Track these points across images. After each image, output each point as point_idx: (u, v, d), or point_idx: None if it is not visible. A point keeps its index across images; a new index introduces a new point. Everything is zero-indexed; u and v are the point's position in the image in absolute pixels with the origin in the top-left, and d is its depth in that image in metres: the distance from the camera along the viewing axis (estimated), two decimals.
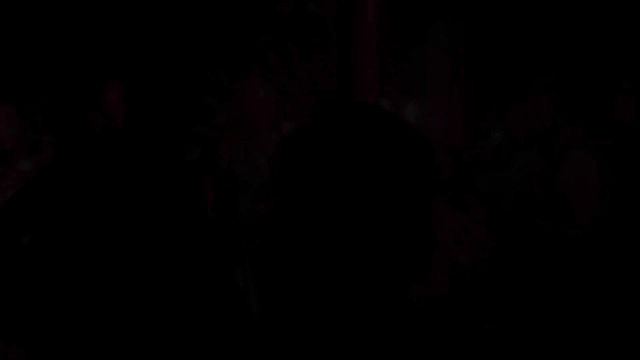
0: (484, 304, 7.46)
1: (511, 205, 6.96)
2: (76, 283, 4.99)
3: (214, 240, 5.39)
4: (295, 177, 1.69)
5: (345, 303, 1.62)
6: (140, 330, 4.97)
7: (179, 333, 5.01)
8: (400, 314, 1.68)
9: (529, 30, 8.48)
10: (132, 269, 5.01)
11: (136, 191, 5.08)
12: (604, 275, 6.59)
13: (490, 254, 7.52)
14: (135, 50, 8.52)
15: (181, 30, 8.56)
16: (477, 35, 8.90)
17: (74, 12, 8.66)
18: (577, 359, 5.53)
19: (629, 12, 7.44)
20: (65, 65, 8.46)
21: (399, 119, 1.75)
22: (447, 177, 7.62)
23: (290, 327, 1.71)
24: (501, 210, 6.93)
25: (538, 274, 6.74)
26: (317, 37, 8.40)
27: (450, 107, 8.99)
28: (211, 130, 7.58)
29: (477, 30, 8.91)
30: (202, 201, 5.52)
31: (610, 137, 7.40)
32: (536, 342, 6.45)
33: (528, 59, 8.49)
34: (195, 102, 7.72)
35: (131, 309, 4.94)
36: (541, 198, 6.58)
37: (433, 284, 7.38)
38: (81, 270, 5.00)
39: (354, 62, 5.37)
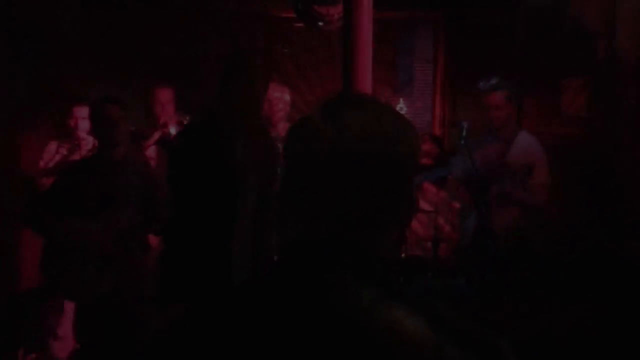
0: (459, 259, 7.65)
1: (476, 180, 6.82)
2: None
3: None
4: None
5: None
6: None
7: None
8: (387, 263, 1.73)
9: (491, 45, 8.43)
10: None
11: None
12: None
13: (462, 220, 7.74)
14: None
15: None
16: (452, 48, 9.03)
17: None
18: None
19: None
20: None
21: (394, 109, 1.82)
22: (433, 160, 7.80)
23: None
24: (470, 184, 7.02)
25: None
26: (325, 49, 8.60)
27: (431, 105, 9.14)
28: None
29: (452, 45, 9.04)
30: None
31: (558, 126, 7.57)
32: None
33: (490, 67, 8.53)
34: None
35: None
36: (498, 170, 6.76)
37: (423, 246, 7.61)
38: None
39: (354, 70, 5.58)
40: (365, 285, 1.60)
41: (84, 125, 7.37)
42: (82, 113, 7.32)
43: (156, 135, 7.29)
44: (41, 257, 6.03)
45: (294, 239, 1.72)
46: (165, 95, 7.59)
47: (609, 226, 7.02)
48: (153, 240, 7.27)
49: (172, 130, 7.23)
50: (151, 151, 7.34)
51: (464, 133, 6.81)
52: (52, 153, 7.39)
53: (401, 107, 9.07)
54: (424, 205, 7.71)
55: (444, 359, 1.50)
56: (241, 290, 1.73)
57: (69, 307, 7.40)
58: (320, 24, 7.25)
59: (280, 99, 7.41)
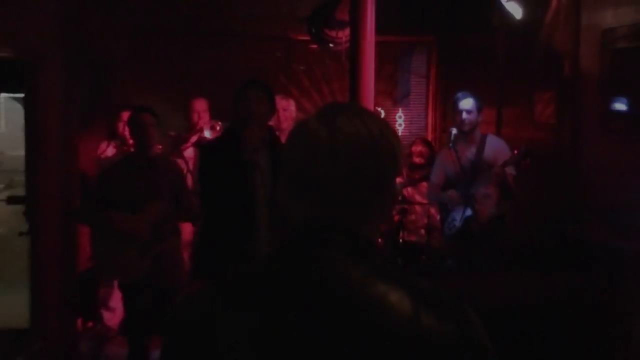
0: (448, 245, 7.77)
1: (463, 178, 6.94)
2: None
3: None
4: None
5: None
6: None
7: None
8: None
9: (474, 64, 8.59)
10: None
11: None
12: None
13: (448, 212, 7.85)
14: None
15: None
16: (442, 66, 9.12)
17: None
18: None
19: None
20: None
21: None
22: (425, 160, 7.95)
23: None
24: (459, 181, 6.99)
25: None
26: (335, 66, 8.68)
27: (425, 113, 9.19)
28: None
29: (442, 64, 9.14)
30: None
31: (531, 131, 7.61)
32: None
33: (473, 82, 8.64)
34: None
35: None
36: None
37: (418, 233, 7.78)
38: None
39: (359, 84, 5.70)
40: (355, 263, 1.62)
41: None
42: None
43: (193, 138, 7.36)
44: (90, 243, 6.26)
45: (295, 223, 1.73)
46: (200, 105, 7.66)
47: (571, 213, 7.11)
48: (185, 227, 7.52)
49: (207, 134, 7.32)
50: (189, 152, 7.42)
51: (452, 137, 7.02)
52: (103, 149, 7.53)
53: (400, 115, 9.19)
54: (418, 198, 7.88)
55: (422, 327, 1.52)
56: (255, 266, 1.74)
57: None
58: (331, 45, 7.24)
59: (286, 109, 7.56)
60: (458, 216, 6.95)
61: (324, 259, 1.62)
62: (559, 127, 7.43)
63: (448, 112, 9.10)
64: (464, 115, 6.86)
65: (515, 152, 6.58)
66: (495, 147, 6.86)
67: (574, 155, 7.18)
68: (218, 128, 7.35)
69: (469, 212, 6.82)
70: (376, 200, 1.70)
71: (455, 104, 6.95)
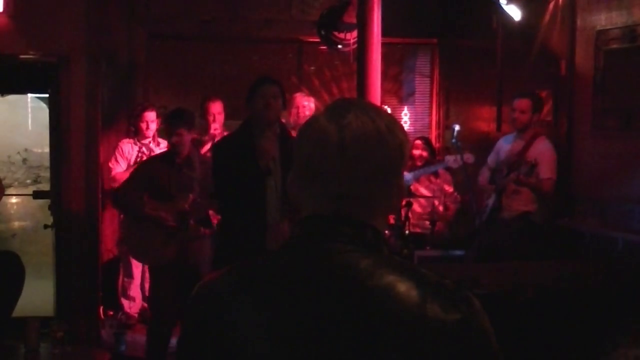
0: (453, 235, 7.86)
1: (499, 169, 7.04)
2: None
3: None
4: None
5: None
6: None
7: None
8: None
9: (475, 65, 8.67)
10: None
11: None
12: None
13: (455, 202, 7.98)
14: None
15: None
16: (445, 67, 9.15)
17: None
18: None
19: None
20: None
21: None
22: (429, 155, 8.03)
23: None
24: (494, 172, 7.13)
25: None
26: (344, 67, 8.70)
27: (429, 111, 9.21)
28: None
29: (445, 64, 9.16)
30: None
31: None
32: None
33: (474, 82, 8.73)
34: None
35: None
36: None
37: (422, 225, 7.86)
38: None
39: (367, 84, 5.76)
40: (363, 254, 1.61)
41: (152, 126, 7.65)
42: (150, 117, 7.58)
43: (207, 146, 7.36)
44: (121, 229, 6.40)
45: (305, 214, 1.72)
46: (216, 107, 7.66)
47: (566, 205, 7.19)
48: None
49: None
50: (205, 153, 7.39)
51: (455, 133, 7.10)
52: (123, 148, 7.59)
53: (405, 112, 9.25)
54: (423, 191, 7.96)
55: (429, 316, 1.51)
56: (267, 258, 1.75)
57: (137, 272, 7.77)
58: (340, 47, 7.27)
59: (307, 106, 7.63)
60: (490, 204, 7.01)
61: (333, 250, 1.62)
62: (555, 124, 7.49)
63: (450, 109, 9.21)
64: (517, 114, 6.87)
65: (527, 162, 6.66)
66: (541, 150, 6.83)
67: (569, 151, 7.25)
68: None
69: (496, 204, 6.88)
70: (384, 193, 1.69)
71: (512, 102, 6.96)
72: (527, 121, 6.85)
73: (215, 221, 6.93)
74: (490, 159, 7.22)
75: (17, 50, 7.10)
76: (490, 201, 6.99)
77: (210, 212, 6.35)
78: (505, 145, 7.09)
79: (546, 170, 6.72)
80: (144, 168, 6.37)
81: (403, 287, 1.55)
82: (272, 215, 5.33)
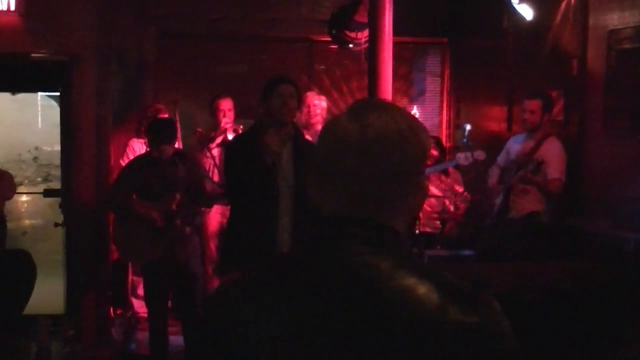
0: (463, 235, 7.85)
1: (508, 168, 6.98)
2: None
3: None
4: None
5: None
6: None
7: None
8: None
9: (485, 64, 8.65)
10: None
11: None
12: None
13: (465, 201, 7.97)
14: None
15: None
16: (455, 66, 9.14)
17: None
18: None
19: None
20: None
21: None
22: (439, 155, 8.02)
23: None
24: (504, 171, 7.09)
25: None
26: (354, 66, 8.69)
27: (439, 110, 9.22)
28: None
29: (455, 63, 9.15)
30: None
31: None
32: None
33: (484, 81, 8.73)
34: None
35: None
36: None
37: (432, 224, 7.86)
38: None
39: (377, 83, 5.74)
40: (383, 255, 1.61)
41: None
42: (161, 116, 7.43)
43: (218, 140, 7.40)
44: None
45: (325, 215, 1.71)
46: (226, 105, 7.65)
47: (577, 205, 7.21)
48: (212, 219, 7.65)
49: (230, 137, 7.32)
50: (215, 151, 7.51)
51: (466, 133, 7.09)
52: (133, 147, 7.55)
53: (415, 112, 9.22)
54: (433, 191, 7.95)
55: (449, 319, 1.51)
56: (285, 258, 1.76)
57: None
58: (350, 45, 7.28)
59: (318, 105, 7.61)
60: (498, 203, 7.00)
61: (353, 251, 1.62)
62: (566, 123, 7.49)
63: (461, 109, 9.20)
64: (527, 115, 6.84)
65: (534, 160, 6.64)
66: (550, 150, 6.81)
67: (580, 151, 7.26)
68: (240, 131, 7.43)
69: (504, 203, 6.87)
70: (404, 194, 1.69)
71: (522, 102, 6.93)
72: (537, 121, 6.82)
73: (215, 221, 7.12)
74: (500, 158, 7.20)
75: (28, 49, 7.12)
76: (498, 201, 6.98)
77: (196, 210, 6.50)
78: (516, 145, 7.07)
79: (554, 171, 6.70)
80: (129, 169, 6.41)
81: (423, 289, 1.55)
82: (284, 215, 5.32)
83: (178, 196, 6.13)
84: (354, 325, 1.54)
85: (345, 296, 1.57)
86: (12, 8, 6.95)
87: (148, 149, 6.46)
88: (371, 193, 1.65)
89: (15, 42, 7.04)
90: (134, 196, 6.25)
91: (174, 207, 6.12)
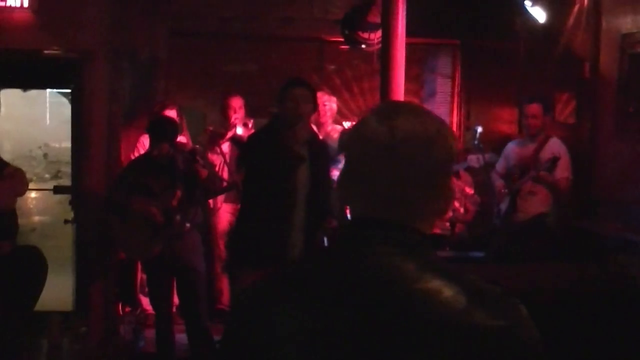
0: (473, 236, 7.86)
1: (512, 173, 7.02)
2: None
3: None
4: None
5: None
6: None
7: None
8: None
9: (497, 66, 8.67)
10: None
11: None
12: None
13: (475, 204, 7.97)
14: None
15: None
16: (466, 67, 9.13)
17: None
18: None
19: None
20: None
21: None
22: None
23: None
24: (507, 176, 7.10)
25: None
26: (365, 66, 8.68)
27: (450, 112, 9.20)
28: None
29: (466, 65, 9.14)
30: None
31: (551, 130, 7.69)
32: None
33: (496, 83, 8.74)
34: None
35: None
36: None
37: (442, 226, 7.87)
38: None
39: (390, 83, 5.76)
40: (409, 258, 1.61)
41: None
42: (171, 114, 7.31)
43: (229, 134, 7.42)
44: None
45: (352, 215, 1.72)
46: (236, 103, 7.64)
47: (588, 207, 7.24)
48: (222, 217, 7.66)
49: (239, 130, 7.39)
50: (225, 147, 7.50)
51: (477, 135, 7.10)
52: (145, 144, 7.34)
53: None
54: None
55: (476, 323, 1.51)
56: (311, 259, 1.77)
57: None
58: (363, 46, 7.32)
59: (327, 105, 7.63)
60: (504, 208, 7.01)
61: (380, 253, 1.62)
62: (578, 126, 7.54)
63: (471, 111, 9.19)
64: (530, 120, 6.88)
65: (549, 159, 6.63)
66: (555, 149, 6.84)
67: (592, 154, 7.28)
68: (250, 125, 7.45)
69: (510, 207, 6.88)
70: (432, 197, 1.69)
71: (522, 107, 6.97)
72: (540, 125, 6.89)
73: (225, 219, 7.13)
74: (500, 166, 7.22)
75: (40, 46, 7.14)
76: (504, 205, 7.00)
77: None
78: (516, 150, 7.10)
79: (562, 170, 6.73)
80: (127, 170, 6.48)
81: (449, 292, 1.56)
82: (297, 216, 5.35)
83: (178, 193, 6.16)
84: (379, 327, 1.54)
85: (372, 298, 1.58)
86: (25, 5, 6.97)
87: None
88: (398, 195, 1.66)
89: (27, 39, 7.06)
90: (135, 196, 6.25)
91: (174, 203, 6.14)
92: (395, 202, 1.66)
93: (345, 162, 1.75)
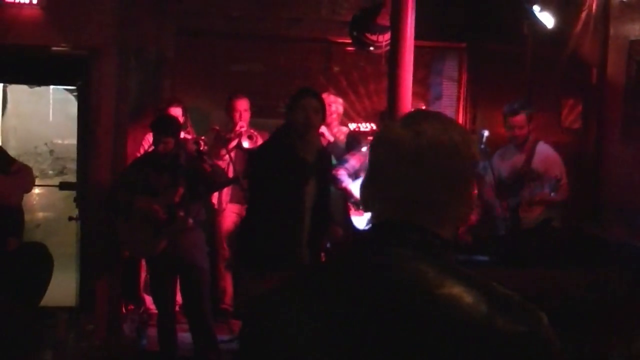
0: (477, 240, 7.85)
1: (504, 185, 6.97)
2: None
3: None
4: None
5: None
6: None
7: None
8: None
9: (504, 70, 8.62)
10: None
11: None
12: None
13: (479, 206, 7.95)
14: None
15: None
16: (472, 71, 9.14)
17: None
18: None
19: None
20: None
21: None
22: None
23: None
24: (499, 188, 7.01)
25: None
26: (372, 68, 8.67)
27: (455, 116, 9.14)
28: None
29: (472, 68, 9.15)
30: None
31: (558, 136, 7.61)
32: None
33: (502, 87, 8.64)
34: None
35: None
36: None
37: None
38: None
39: (398, 86, 5.77)
40: (431, 262, 1.62)
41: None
42: (176, 112, 7.45)
43: (233, 143, 7.44)
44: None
45: (375, 220, 1.74)
46: (242, 105, 7.66)
47: (593, 213, 7.23)
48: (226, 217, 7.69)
49: (245, 144, 7.43)
50: (231, 153, 7.44)
51: (484, 139, 7.10)
52: (150, 142, 7.34)
53: None
54: None
55: (496, 328, 1.53)
56: (332, 261, 1.87)
57: None
58: (371, 48, 7.28)
59: (333, 107, 7.60)
60: (501, 224, 6.98)
61: (402, 256, 1.64)
62: (584, 132, 7.52)
63: (477, 114, 9.20)
64: (516, 131, 6.88)
65: (554, 178, 6.59)
66: (545, 156, 6.85)
67: (598, 160, 7.27)
68: (254, 138, 7.47)
69: (514, 219, 6.85)
70: (454, 203, 1.72)
71: (505, 117, 6.94)
72: (526, 134, 6.88)
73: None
74: (489, 178, 7.10)
75: (48, 42, 7.18)
76: (501, 221, 7.00)
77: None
78: (504, 160, 7.08)
79: (558, 176, 6.70)
80: (129, 169, 6.56)
81: (471, 298, 1.57)
82: (306, 223, 5.41)
83: (181, 189, 6.20)
84: (400, 332, 1.56)
85: (393, 302, 1.59)
86: (35, 1, 7.01)
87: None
88: (422, 200, 1.69)
89: (36, 35, 7.10)
90: (136, 194, 6.30)
91: (176, 200, 6.18)
92: (419, 207, 1.69)
93: (369, 166, 1.77)
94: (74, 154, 8.17)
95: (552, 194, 6.58)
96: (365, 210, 1.80)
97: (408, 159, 1.68)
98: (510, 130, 6.91)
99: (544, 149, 6.92)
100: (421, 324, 1.55)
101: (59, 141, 9.92)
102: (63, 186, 8.02)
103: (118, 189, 6.40)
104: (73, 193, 7.73)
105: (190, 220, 6.30)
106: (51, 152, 9.04)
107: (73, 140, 8.64)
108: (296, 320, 1.66)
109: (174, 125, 6.36)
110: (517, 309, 1.58)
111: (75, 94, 8.07)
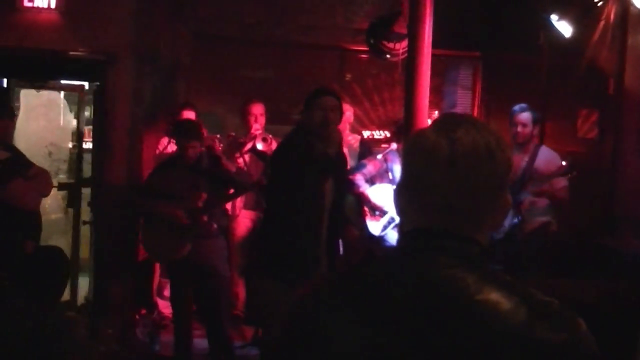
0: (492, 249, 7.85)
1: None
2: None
3: None
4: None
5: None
6: None
7: None
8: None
9: (518, 79, 8.63)
10: None
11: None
12: None
13: None
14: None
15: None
16: (487, 80, 9.21)
17: None
18: None
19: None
20: None
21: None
22: None
23: None
24: None
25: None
26: (386, 76, 8.73)
27: None
28: None
29: (487, 77, 9.22)
30: None
31: (573, 146, 7.65)
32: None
33: (517, 97, 8.75)
34: None
35: None
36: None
37: None
38: None
39: (415, 95, 5.77)
40: (469, 269, 1.62)
41: None
42: (189, 116, 7.48)
43: (248, 146, 7.43)
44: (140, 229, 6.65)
45: (411, 227, 1.74)
46: (257, 109, 7.66)
47: (608, 224, 7.24)
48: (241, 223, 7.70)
49: (259, 146, 7.41)
50: (246, 155, 7.51)
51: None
52: (164, 145, 7.57)
53: None
54: None
55: (536, 336, 1.52)
56: (369, 268, 1.75)
57: None
58: (388, 56, 7.31)
59: (345, 114, 7.68)
60: (506, 222, 7.03)
61: (440, 264, 1.64)
62: (600, 142, 7.56)
63: (491, 123, 9.14)
64: (519, 128, 6.88)
65: (564, 163, 6.62)
66: (547, 158, 6.88)
67: (613, 170, 7.30)
68: (269, 141, 7.49)
69: (515, 219, 6.84)
70: (489, 209, 1.71)
71: (512, 116, 6.96)
72: (528, 134, 6.89)
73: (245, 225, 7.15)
74: None
75: (66, 47, 7.19)
76: (506, 219, 6.98)
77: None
78: None
79: (560, 179, 6.73)
80: (155, 176, 6.54)
81: (510, 304, 1.56)
82: (324, 226, 5.34)
83: (204, 195, 6.21)
84: (439, 339, 1.56)
85: (432, 309, 1.59)
86: (53, 6, 7.06)
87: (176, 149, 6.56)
88: (458, 206, 1.68)
89: (54, 39, 7.13)
90: (159, 200, 6.32)
91: (199, 205, 6.19)
92: (454, 214, 1.68)
93: (403, 173, 1.78)
94: (66, 156, 8.36)
95: (566, 179, 6.63)
96: (400, 217, 1.81)
97: (443, 166, 1.67)
98: (514, 127, 6.92)
99: (545, 151, 6.95)
100: (461, 331, 1.55)
101: (59, 144, 9.89)
102: (60, 187, 8.07)
103: (141, 195, 6.44)
104: (64, 193, 7.83)
105: (215, 225, 6.33)
106: (50, 154, 9.14)
107: (69, 143, 9.06)
108: (338, 325, 1.67)
109: (198, 129, 6.38)
110: (556, 316, 1.56)
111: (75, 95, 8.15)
